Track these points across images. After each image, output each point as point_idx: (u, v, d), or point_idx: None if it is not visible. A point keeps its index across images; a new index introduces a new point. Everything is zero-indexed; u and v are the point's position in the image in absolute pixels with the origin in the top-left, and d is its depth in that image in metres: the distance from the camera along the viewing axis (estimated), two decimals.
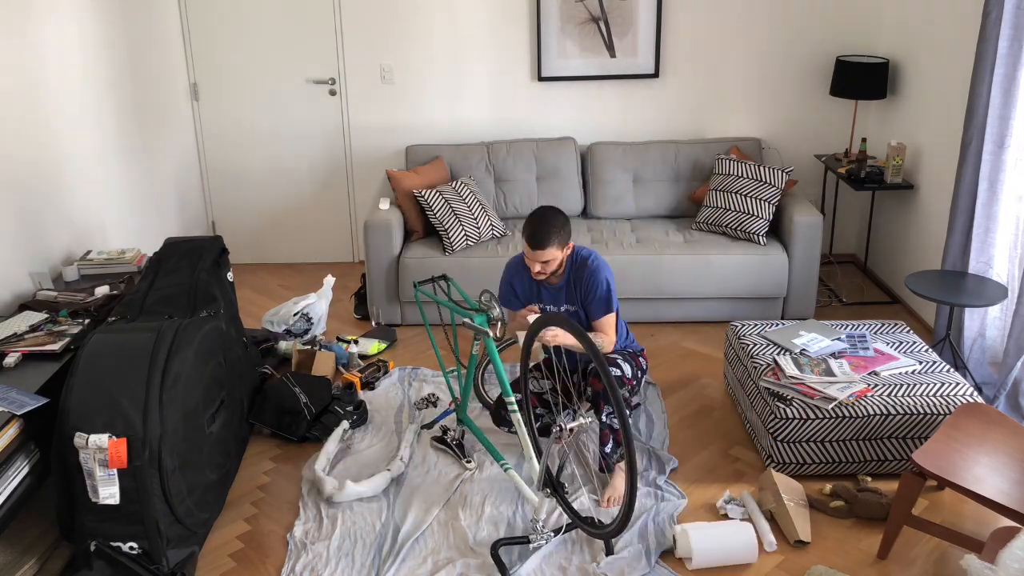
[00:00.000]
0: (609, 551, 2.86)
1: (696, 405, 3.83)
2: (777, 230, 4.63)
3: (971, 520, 3.04)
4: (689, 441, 3.55)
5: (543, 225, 3.05)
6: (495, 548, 2.86)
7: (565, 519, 3.03)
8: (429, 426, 3.65)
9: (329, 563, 2.87)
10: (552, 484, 2.86)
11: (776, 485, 3.03)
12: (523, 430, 2.98)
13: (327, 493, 3.16)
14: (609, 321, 3.21)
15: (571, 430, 2.73)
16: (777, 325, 3.77)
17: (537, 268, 3.12)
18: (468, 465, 3.35)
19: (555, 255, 3.08)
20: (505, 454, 3.40)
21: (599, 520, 2.98)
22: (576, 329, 2.69)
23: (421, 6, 5.06)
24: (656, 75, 5.10)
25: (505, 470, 3.10)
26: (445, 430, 3.51)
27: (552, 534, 2.91)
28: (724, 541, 2.81)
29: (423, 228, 4.68)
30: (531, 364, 3.15)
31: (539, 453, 3.04)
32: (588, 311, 3.23)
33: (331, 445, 3.45)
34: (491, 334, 3.07)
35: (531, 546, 2.89)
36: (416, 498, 3.18)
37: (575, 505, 3.13)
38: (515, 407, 2.97)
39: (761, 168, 4.57)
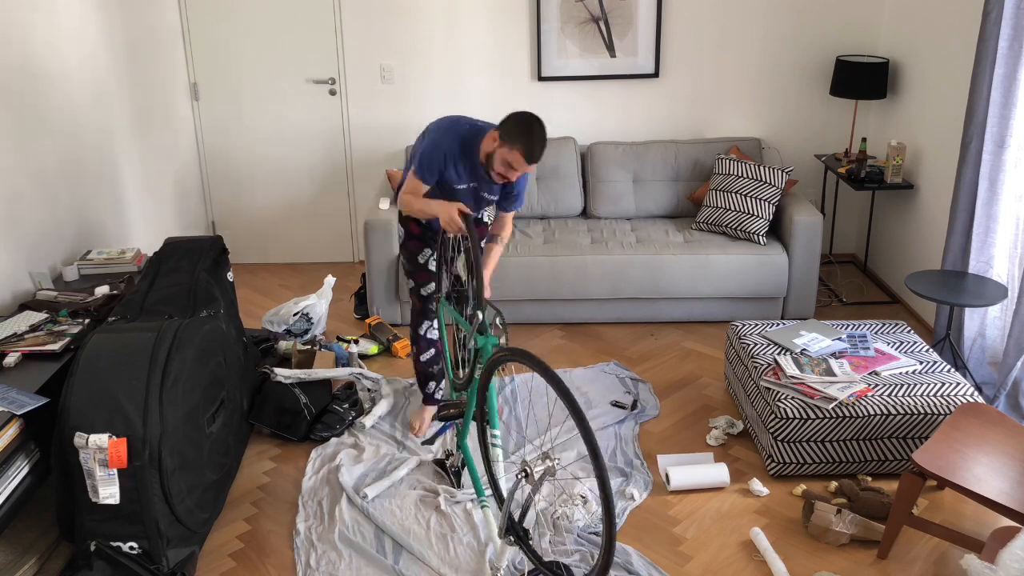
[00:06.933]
0: None
1: (696, 405, 3.83)
2: (777, 230, 4.63)
3: (971, 520, 3.04)
4: (689, 441, 3.55)
5: (544, 142, 2.90)
6: None
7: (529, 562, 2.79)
8: (430, 441, 3.57)
9: (343, 554, 2.89)
10: (515, 531, 2.60)
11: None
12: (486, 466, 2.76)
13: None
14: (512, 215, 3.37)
15: (537, 473, 2.38)
16: (777, 325, 3.77)
17: (516, 176, 2.99)
18: (455, 493, 3.18)
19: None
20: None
21: (565, 565, 2.71)
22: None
23: (421, 6, 5.06)
24: (656, 75, 5.10)
25: (481, 507, 2.93)
26: (449, 454, 3.37)
27: None
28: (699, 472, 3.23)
29: None
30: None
31: (500, 497, 2.77)
32: (507, 204, 3.27)
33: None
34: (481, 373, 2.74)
35: None
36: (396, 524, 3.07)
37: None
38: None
39: (761, 168, 4.57)
